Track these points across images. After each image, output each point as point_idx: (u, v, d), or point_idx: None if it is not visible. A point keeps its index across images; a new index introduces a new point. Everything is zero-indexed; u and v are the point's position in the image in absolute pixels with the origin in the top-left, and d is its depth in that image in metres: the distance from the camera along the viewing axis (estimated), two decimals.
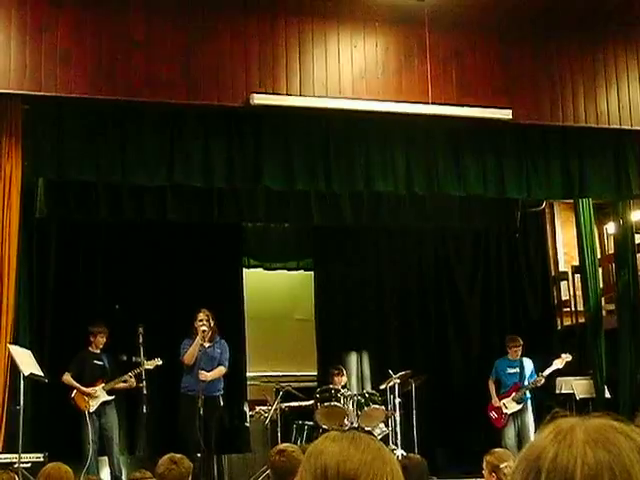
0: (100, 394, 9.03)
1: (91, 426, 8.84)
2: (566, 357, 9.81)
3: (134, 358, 8.93)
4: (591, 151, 9.13)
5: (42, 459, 7.69)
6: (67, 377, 9.03)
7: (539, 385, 9.80)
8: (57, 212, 9.75)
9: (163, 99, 7.85)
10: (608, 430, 1.08)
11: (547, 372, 9.77)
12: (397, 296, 11.61)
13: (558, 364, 9.79)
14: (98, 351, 9.23)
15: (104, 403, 9.04)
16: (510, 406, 9.82)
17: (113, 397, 9.09)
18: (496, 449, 5.57)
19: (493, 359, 10.28)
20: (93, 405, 8.97)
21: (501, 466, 4.92)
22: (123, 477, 8.96)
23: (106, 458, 9.14)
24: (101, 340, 9.21)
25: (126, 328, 9.32)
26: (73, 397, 9.02)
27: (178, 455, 4.95)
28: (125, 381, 9.01)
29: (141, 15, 7.82)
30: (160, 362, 8.94)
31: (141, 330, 8.75)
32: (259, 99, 7.91)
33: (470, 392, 10.80)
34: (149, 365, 8.88)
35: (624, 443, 1.06)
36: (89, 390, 8.99)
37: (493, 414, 9.90)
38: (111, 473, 9.01)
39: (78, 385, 9.01)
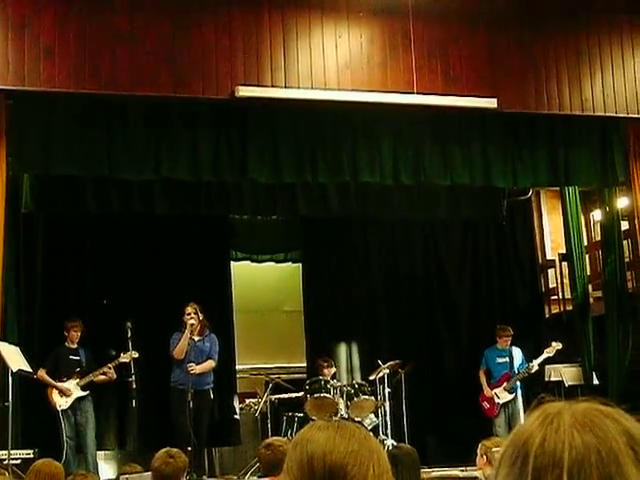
0: (74, 390, 8.94)
1: (66, 423, 8.78)
2: (556, 345, 9.81)
3: (123, 353, 8.90)
4: (577, 139, 9.16)
5: (32, 455, 7.70)
6: (41, 373, 8.91)
7: (531, 374, 9.82)
8: (43, 207, 9.72)
9: (148, 92, 7.82)
10: (595, 414, 1.08)
11: (538, 361, 9.78)
12: (386, 286, 11.62)
13: (548, 353, 9.81)
14: (75, 346, 9.16)
15: (79, 399, 8.95)
16: (502, 396, 9.85)
17: (87, 392, 8.97)
18: (493, 437, 5.69)
19: (482, 347, 10.30)
20: (67, 401, 8.90)
21: (494, 449, 4.99)
22: (100, 473, 8.93)
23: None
24: (75, 335, 9.14)
25: (114, 323, 9.31)
26: (48, 393, 8.97)
27: (174, 449, 4.95)
28: (104, 373, 8.94)
29: (125, 8, 7.78)
30: (136, 355, 8.76)
31: (129, 324, 8.72)
32: (244, 91, 7.90)
33: (460, 381, 10.84)
34: (124, 358, 8.78)
35: (611, 426, 1.06)
36: (60, 386, 8.92)
37: (485, 404, 9.93)
38: (85, 470, 8.96)
39: (51, 381, 8.93)
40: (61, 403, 8.87)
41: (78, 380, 8.95)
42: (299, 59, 8.16)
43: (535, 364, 9.74)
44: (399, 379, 9.77)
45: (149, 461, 4.99)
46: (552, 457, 1.05)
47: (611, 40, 9.07)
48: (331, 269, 11.60)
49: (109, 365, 8.91)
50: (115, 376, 8.95)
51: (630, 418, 1.10)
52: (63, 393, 8.90)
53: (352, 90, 8.23)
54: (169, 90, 7.83)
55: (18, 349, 7.87)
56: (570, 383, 10.41)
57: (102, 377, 8.97)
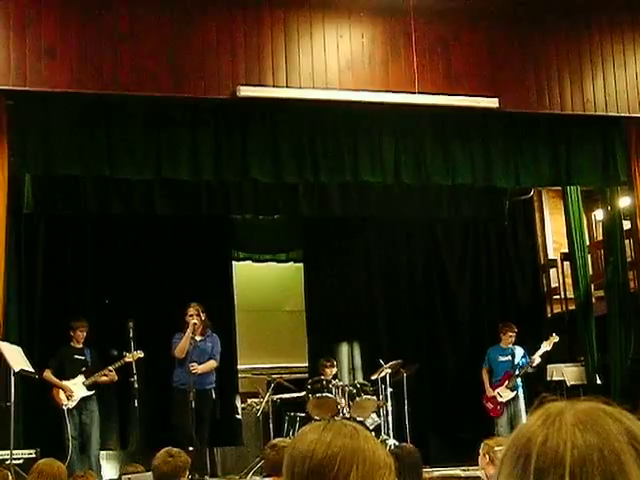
0: (79, 389, 8.96)
1: (71, 422, 8.80)
2: (554, 338, 9.83)
3: (125, 353, 8.89)
4: (578, 138, 9.15)
5: (34, 455, 7.69)
6: (47, 373, 8.93)
7: (531, 368, 9.82)
8: (45, 207, 9.74)
9: (149, 92, 7.82)
10: (597, 413, 1.08)
11: (537, 355, 9.79)
12: (387, 286, 11.62)
13: (546, 346, 9.82)
14: (80, 346, 9.18)
15: (85, 398, 8.96)
16: (505, 394, 9.85)
17: (93, 392, 9.00)
18: (495, 437, 5.71)
19: (483, 347, 10.30)
20: (73, 401, 8.91)
21: (496, 448, 5.00)
22: (102, 473, 8.93)
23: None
24: (81, 335, 9.15)
25: (116, 322, 9.30)
26: (53, 393, 8.98)
27: (175, 449, 4.99)
28: (105, 375, 8.96)
29: (125, 8, 7.79)
30: (142, 354, 8.77)
31: (131, 324, 8.71)
32: (245, 91, 7.89)
33: (461, 380, 10.84)
34: (129, 358, 8.75)
35: (612, 426, 1.06)
36: (66, 386, 8.93)
37: (489, 405, 9.93)
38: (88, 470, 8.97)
39: (57, 381, 8.94)
40: (67, 402, 8.88)
41: (84, 379, 8.97)
42: (300, 59, 8.16)
43: (536, 357, 9.75)
44: (401, 379, 9.77)
45: (151, 461, 5.01)
46: (554, 457, 1.05)
47: (612, 39, 9.07)
48: (332, 269, 11.61)
49: (109, 368, 8.92)
50: (116, 378, 8.97)
51: (632, 417, 1.10)
52: (69, 393, 8.91)
53: (353, 90, 8.22)
54: (170, 90, 7.83)
55: (20, 349, 7.87)
56: (572, 383, 10.41)
57: (104, 378, 8.99)
